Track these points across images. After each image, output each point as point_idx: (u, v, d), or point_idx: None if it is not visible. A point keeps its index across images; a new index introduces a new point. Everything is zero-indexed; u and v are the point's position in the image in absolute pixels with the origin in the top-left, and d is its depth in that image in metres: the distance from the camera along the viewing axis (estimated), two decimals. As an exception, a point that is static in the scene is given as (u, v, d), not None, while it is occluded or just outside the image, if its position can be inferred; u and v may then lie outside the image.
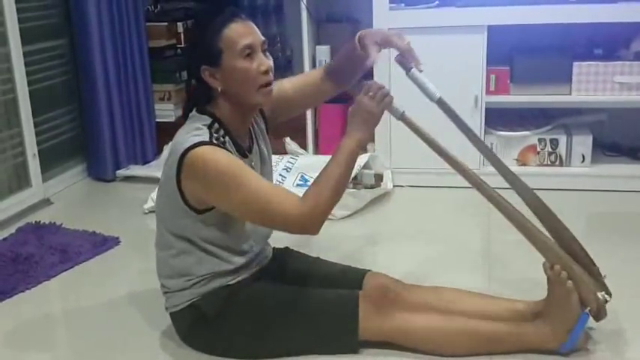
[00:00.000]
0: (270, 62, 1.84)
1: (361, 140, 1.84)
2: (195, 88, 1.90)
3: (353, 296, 1.91)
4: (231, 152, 1.82)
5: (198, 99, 1.90)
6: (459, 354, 1.90)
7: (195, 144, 1.76)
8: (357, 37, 1.97)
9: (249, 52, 1.80)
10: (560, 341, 1.87)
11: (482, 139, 3.30)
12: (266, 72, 1.83)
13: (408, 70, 1.99)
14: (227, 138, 1.86)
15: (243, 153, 1.92)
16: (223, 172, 1.74)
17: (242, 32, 1.80)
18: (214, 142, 1.78)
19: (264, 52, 1.85)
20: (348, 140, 1.82)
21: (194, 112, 1.90)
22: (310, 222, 1.77)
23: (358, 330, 1.89)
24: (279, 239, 2.13)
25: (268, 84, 1.85)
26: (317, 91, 2.12)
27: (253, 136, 2.00)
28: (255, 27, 1.84)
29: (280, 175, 3.21)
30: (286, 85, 2.10)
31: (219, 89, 1.84)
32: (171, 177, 1.82)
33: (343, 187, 1.82)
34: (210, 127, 1.83)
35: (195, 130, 1.81)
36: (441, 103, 2.05)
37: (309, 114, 3.64)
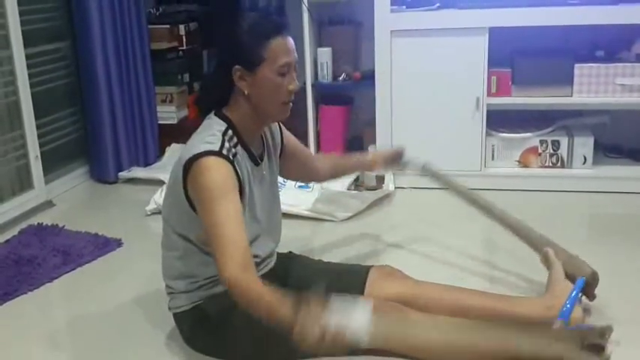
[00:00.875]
0: (298, 83, 1.89)
1: (285, 319, 1.66)
2: (218, 84, 1.90)
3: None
4: (240, 162, 1.84)
5: (218, 96, 1.91)
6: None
7: (203, 152, 1.77)
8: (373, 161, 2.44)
9: (286, 71, 1.83)
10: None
11: (484, 141, 3.31)
12: (293, 91, 1.87)
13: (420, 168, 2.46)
14: (239, 147, 1.87)
15: (255, 160, 1.94)
16: (210, 189, 1.75)
17: (286, 49, 1.83)
18: (224, 153, 1.79)
19: (295, 70, 1.88)
20: (282, 307, 1.66)
21: (212, 114, 1.91)
22: (232, 290, 1.69)
23: None
24: (283, 244, 2.13)
25: (290, 102, 1.89)
26: (309, 171, 2.33)
27: (265, 146, 2.02)
28: (294, 45, 1.87)
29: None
30: (300, 147, 2.26)
31: (246, 92, 1.85)
32: (178, 180, 1.83)
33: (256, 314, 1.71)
34: (224, 134, 1.84)
35: (208, 137, 1.82)
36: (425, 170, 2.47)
37: (310, 116, 3.65)
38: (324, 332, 1.60)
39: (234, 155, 1.83)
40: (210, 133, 1.84)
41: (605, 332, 1.80)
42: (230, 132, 1.86)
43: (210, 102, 1.94)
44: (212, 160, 1.77)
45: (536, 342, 1.80)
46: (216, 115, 1.90)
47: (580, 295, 2.06)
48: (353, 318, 1.64)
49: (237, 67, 1.83)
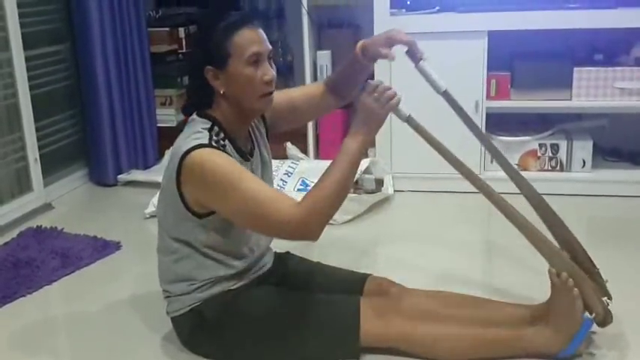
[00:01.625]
0: (274, 72, 1.85)
1: (364, 142, 1.79)
2: (195, 87, 1.89)
3: (354, 302, 1.91)
4: (231, 156, 1.82)
5: (198, 99, 1.90)
6: (460, 359, 1.90)
7: (194, 147, 1.76)
8: (358, 48, 1.98)
9: (256, 60, 1.81)
10: (562, 346, 1.87)
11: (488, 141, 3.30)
12: (269, 82, 1.83)
13: (416, 62, 2.01)
14: (227, 141, 1.86)
15: (245, 157, 1.92)
16: (221, 174, 1.73)
17: (251, 39, 1.80)
18: (214, 144, 1.79)
19: (269, 60, 1.85)
20: (350, 142, 1.79)
21: (194, 115, 1.90)
22: (307, 227, 1.72)
23: (359, 336, 1.89)
24: (281, 244, 2.13)
25: (269, 93, 1.86)
26: (318, 104, 2.13)
27: (254, 140, 2.00)
28: (264, 35, 1.84)
29: (281, 179, 3.22)
30: (292, 94, 2.12)
31: (222, 91, 1.84)
32: (171, 181, 1.82)
33: (345, 191, 1.78)
34: (210, 130, 1.83)
35: (194, 134, 1.81)
36: (446, 95, 2.08)
37: (310, 119, 3.64)
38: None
39: (224, 147, 1.82)
40: (196, 130, 1.83)
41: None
42: (216, 128, 1.85)
43: (193, 107, 1.92)
44: (206, 151, 1.75)
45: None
46: (198, 115, 1.89)
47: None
48: None
49: (208, 67, 1.82)
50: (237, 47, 1.79)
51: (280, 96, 2.04)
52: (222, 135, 1.85)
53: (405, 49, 2.01)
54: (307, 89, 2.18)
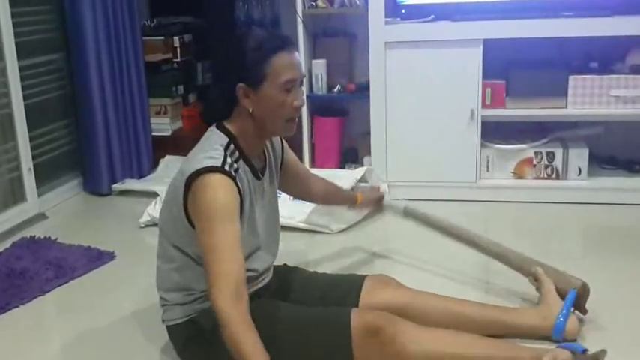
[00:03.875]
0: (304, 99, 1.86)
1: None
2: (222, 100, 1.88)
3: (345, 318, 1.85)
4: (242, 178, 1.83)
5: (220, 110, 1.89)
6: None
7: (206, 168, 1.75)
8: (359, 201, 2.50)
9: (291, 87, 1.82)
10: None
11: (479, 152, 3.31)
12: (299, 108, 1.85)
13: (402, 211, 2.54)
14: (240, 162, 1.86)
15: (257, 175, 1.93)
16: (211, 208, 1.72)
17: (289, 65, 1.81)
18: (226, 169, 1.77)
19: (300, 86, 1.86)
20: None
21: (213, 127, 1.90)
22: (219, 320, 1.66)
23: (352, 350, 1.85)
24: (277, 256, 2.12)
25: (295, 118, 1.88)
26: (309, 195, 2.38)
27: (267, 161, 2.01)
28: (299, 60, 1.85)
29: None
30: (302, 169, 2.32)
31: (250, 110, 1.83)
32: (177, 194, 1.81)
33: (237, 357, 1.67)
34: (226, 148, 1.83)
35: (210, 151, 1.81)
36: (407, 213, 2.55)
37: (305, 127, 3.64)
38: None
39: (236, 170, 1.82)
40: (212, 147, 1.82)
41: (598, 357, 1.80)
42: (232, 146, 1.85)
43: (214, 115, 1.92)
44: (214, 179, 1.74)
45: None
46: (217, 128, 1.89)
47: (572, 308, 2.07)
48: None
49: (240, 84, 1.81)
50: (275, 71, 1.79)
51: (304, 168, 2.34)
52: (236, 155, 1.85)
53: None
54: (310, 174, 2.37)
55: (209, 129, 1.91)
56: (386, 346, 1.84)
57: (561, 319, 2.01)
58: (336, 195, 2.49)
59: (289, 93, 1.82)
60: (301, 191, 2.35)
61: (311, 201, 2.51)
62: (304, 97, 1.86)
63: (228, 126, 1.88)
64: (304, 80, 3.55)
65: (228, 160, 1.81)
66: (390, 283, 2.13)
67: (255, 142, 1.91)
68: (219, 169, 1.76)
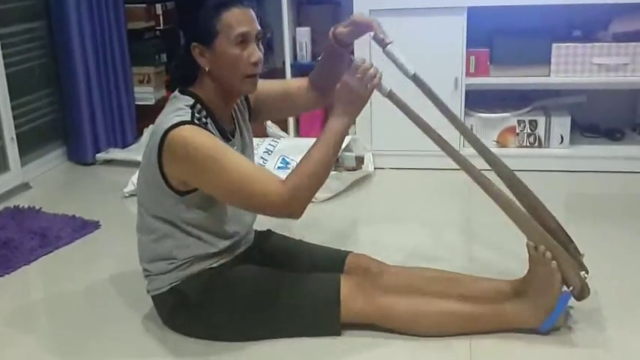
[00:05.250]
0: (261, 54, 1.84)
1: (347, 122, 1.82)
2: (180, 63, 1.88)
3: (334, 280, 1.92)
4: (213, 134, 1.81)
5: (182, 75, 1.89)
6: (440, 335, 1.92)
7: (176, 124, 1.74)
8: (331, 37, 1.95)
9: (243, 40, 1.79)
10: (540, 320, 1.89)
11: (462, 120, 3.32)
12: (255, 63, 1.82)
13: (383, 46, 1.98)
14: (209, 120, 1.85)
15: (226, 136, 1.91)
16: (204, 152, 1.72)
17: (241, 19, 1.79)
18: (196, 122, 1.77)
19: (257, 42, 1.84)
20: (333, 122, 1.81)
21: (176, 92, 1.88)
22: (291, 204, 1.76)
23: (340, 313, 1.90)
24: (261, 222, 2.13)
25: (255, 75, 1.85)
26: (306, 97, 2.12)
27: (236, 121, 2.00)
28: (254, 15, 1.83)
29: (262, 158, 3.21)
30: (288, 84, 2.16)
31: (207, 69, 1.82)
32: (152, 159, 1.80)
33: (327, 170, 1.81)
34: (192, 107, 1.82)
35: (176, 111, 1.80)
36: (416, 79, 2.05)
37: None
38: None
39: (205, 125, 1.81)
40: (178, 107, 1.81)
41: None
42: (198, 106, 1.84)
43: (176, 82, 1.91)
44: (189, 129, 1.74)
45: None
46: (180, 92, 1.88)
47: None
48: None
49: (194, 43, 1.81)
50: (226, 26, 1.77)
51: (276, 84, 2.11)
52: (204, 113, 1.84)
53: (372, 33, 1.96)
54: (301, 82, 2.14)
55: (172, 95, 1.90)
56: (374, 282, 1.93)
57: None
58: (318, 67, 2.09)
59: (245, 48, 1.80)
60: (290, 108, 2.25)
61: (306, 106, 2.20)
62: (262, 54, 1.82)
63: (192, 89, 1.87)
64: (289, 47, 3.58)
65: (197, 116, 1.80)
66: (369, 268, 2.07)
67: (220, 103, 1.89)
68: (190, 122, 1.76)
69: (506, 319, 1.92)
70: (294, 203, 1.76)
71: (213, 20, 1.77)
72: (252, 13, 1.82)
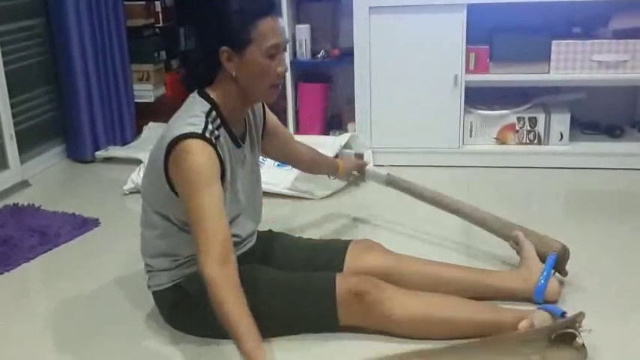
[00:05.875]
0: (287, 65, 1.85)
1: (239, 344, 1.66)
2: (204, 63, 1.87)
3: (330, 279, 1.90)
4: (223, 145, 1.83)
5: (202, 75, 1.88)
6: (437, 340, 1.91)
7: (186, 134, 1.75)
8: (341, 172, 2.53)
9: (275, 52, 1.80)
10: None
11: (462, 118, 3.32)
12: (282, 74, 1.85)
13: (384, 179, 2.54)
14: (222, 129, 1.85)
15: (237, 142, 1.92)
16: (193, 173, 1.72)
17: (274, 30, 1.80)
18: (207, 135, 1.77)
19: (283, 51, 1.86)
20: (242, 339, 1.64)
21: (195, 93, 1.88)
22: (208, 285, 1.67)
23: (338, 314, 1.89)
24: (262, 222, 2.14)
25: (278, 85, 1.87)
26: (295, 164, 2.45)
27: (248, 127, 2.00)
28: (283, 26, 1.84)
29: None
30: (294, 141, 2.35)
31: (233, 74, 1.82)
32: (159, 161, 1.81)
33: (222, 321, 1.68)
34: (207, 114, 1.82)
35: (192, 118, 1.80)
36: (389, 182, 2.57)
37: (289, 94, 3.63)
38: None
39: (217, 138, 1.82)
40: (194, 113, 1.81)
41: (576, 320, 1.80)
42: (214, 113, 1.84)
43: (196, 81, 1.90)
44: (194, 144, 1.74)
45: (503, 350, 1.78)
46: (199, 94, 1.88)
47: (553, 271, 2.10)
48: None
49: (224, 47, 1.80)
50: (260, 35, 1.78)
51: (287, 131, 2.34)
52: (218, 122, 1.84)
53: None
54: (294, 139, 2.37)
55: (190, 95, 1.90)
56: (371, 309, 1.87)
57: (542, 281, 2.05)
58: (319, 161, 2.49)
59: (273, 59, 1.81)
60: (285, 155, 2.35)
61: (295, 166, 2.50)
62: (287, 63, 1.85)
63: (210, 92, 1.87)
64: (287, 46, 3.57)
65: (210, 127, 1.80)
66: (374, 247, 2.15)
67: (237, 108, 1.90)
68: (200, 136, 1.76)
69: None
70: (210, 287, 1.66)
71: (248, 27, 1.77)
72: (282, 23, 1.84)
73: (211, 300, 1.67)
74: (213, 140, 1.78)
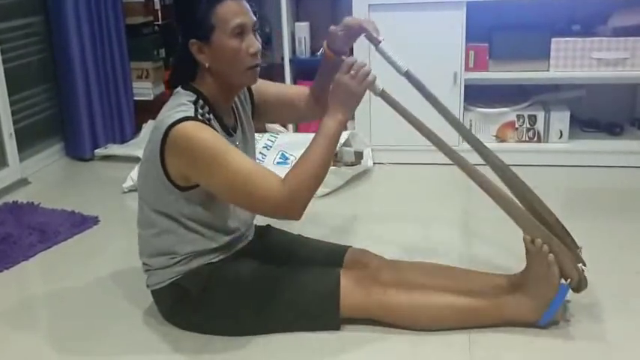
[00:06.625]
0: (259, 44, 1.83)
1: (342, 120, 1.82)
2: (180, 60, 1.87)
3: (334, 274, 1.92)
4: (216, 130, 1.81)
5: (182, 72, 1.88)
6: (439, 329, 1.92)
7: (179, 119, 1.74)
8: (324, 49, 1.97)
9: (240, 32, 1.78)
10: (539, 313, 1.89)
11: (462, 115, 3.32)
12: (254, 54, 1.82)
13: (376, 44, 1.97)
14: (212, 115, 1.85)
15: (228, 132, 1.91)
16: (207, 149, 1.72)
17: (235, 11, 1.78)
18: (199, 118, 1.77)
19: (254, 32, 1.83)
20: (328, 121, 1.81)
21: (179, 88, 1.88)
22: (291, 205, 1.76)
23: (339, 308, 1.90)
24: (260, 219, 2.13)
25: (255, 66, 1.84)
26: (304, 107, 2.12)
27: (237, 116, 1.99)
28: (249, 6, 1.82)
29: (261, 153, 3.20)
30: (289, 91, 2.16)
31: (207, 65, 1.82)
32: (154, 153, 1.80)
33: (325, 170, 1.81)
34: (195, 102, 1.81)
35: (179, 107, 1.79)
36: (409, 76, 2.04)
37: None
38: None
39: (209, 121, 1.81)
40: (180, 103, 1.81)
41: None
42: (201, 101, 1.83)
43: (178, 79, 1.90)
44: (192, 125, 1.74)
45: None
46: (183, 88, 1.87)
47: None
48: None
49: (192, 40, 1.80)
50: (221, 19, 1.76)
51: (277, 86, 2.13)
52: (207, 109, 1.84)
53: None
54: (300, 89, 2.16)
55: (174, 90, 1.89)
56: (373, 282, 1.91)
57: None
58: (317, 80, 2.11)
59: (242, 40, 1.79)
60: (291, 113, 2.21)
61: (306, 116, 2.23)
62: (260, 44, 1.81)
63: (193, 85, 1.86)
64: (287, 42, 3.58)
65: (200, 111, 1.80)
66: (369, 263, 2.07)
67: (222, 98, 1.89)
68: (194, 118, 1.75)
69: (504, 312, 1.91)
70: (293, 205, 1.76)
71: (208, 15, 1.76)
72: (246, 3, 1.81)
73: (317, 180, 1.80)
74: (207, 122, 1.78)
